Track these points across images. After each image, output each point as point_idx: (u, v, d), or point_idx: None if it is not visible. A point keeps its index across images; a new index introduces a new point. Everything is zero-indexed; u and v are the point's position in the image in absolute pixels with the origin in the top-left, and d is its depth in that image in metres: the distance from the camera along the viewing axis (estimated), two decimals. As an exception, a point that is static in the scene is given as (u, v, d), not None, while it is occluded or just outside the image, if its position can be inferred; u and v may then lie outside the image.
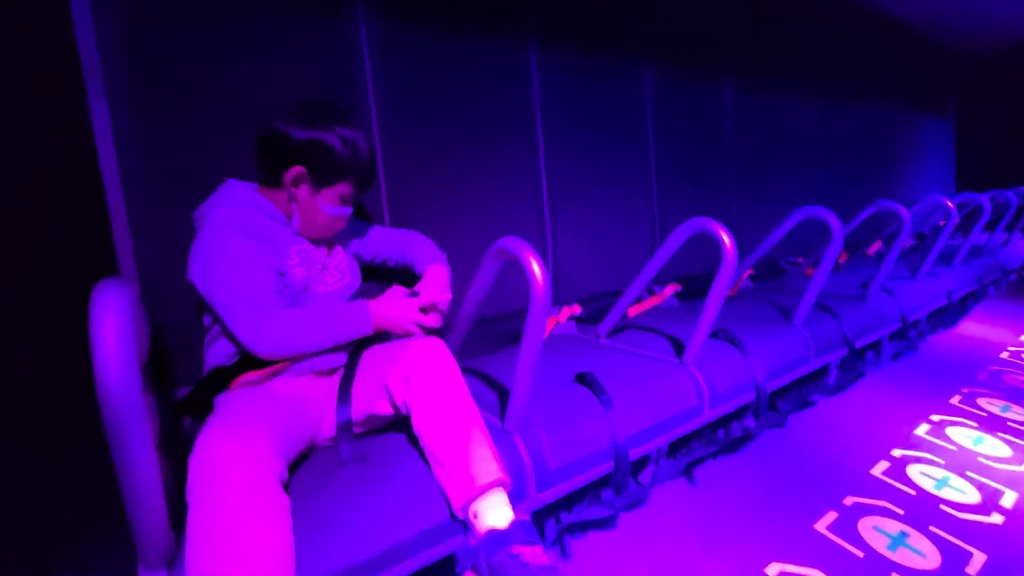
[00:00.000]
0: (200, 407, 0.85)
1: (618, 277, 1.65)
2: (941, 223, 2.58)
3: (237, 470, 0.63)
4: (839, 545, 1.32)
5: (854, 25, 2.55)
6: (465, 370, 1.05)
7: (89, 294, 0.51)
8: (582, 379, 1.05)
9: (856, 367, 1.78)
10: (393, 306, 0.93)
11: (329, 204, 0.92)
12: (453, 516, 0.78)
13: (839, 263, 2.22)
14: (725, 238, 1.02)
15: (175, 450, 0.72)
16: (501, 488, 0.80)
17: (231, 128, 0.98)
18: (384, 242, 1.12)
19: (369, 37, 1.08)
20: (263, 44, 1.01)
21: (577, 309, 1.43)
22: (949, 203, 2.02)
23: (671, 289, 1.46)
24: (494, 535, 0.75)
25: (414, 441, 0.83)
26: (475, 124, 1.26)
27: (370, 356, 0.91)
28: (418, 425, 0.80)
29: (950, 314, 2.47)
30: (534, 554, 0.75)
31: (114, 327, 0.49)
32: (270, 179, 0.93)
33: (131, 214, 0.89)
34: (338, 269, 1.00)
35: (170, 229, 0.92)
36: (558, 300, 1.48)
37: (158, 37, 0.91)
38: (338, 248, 1.04)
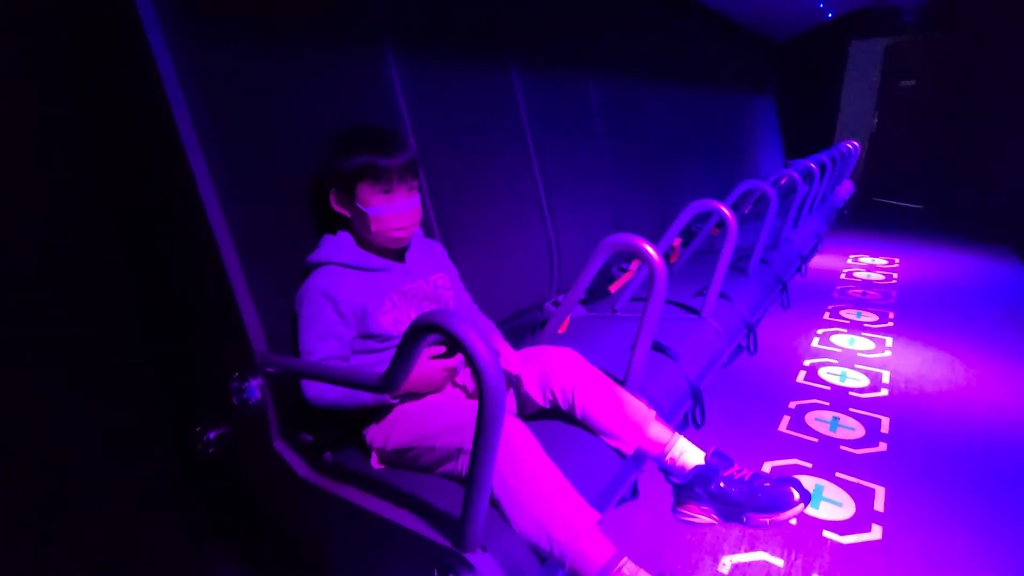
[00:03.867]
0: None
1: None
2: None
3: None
4: (800, 438, 1.71)
5: (699, 25, 3.10)
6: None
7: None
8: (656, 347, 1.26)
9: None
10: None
11: (369, 207, 0.91)
12: (624, 458, 0.98)
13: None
14: (727, 212, 1.29)
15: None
16: (680, 436, 1.05)
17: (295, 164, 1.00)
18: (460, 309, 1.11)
19: (401, 75, 1.15)
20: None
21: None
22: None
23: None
24: (705, 469, 1.04)
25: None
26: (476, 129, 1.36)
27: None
28: (589, 410, 0.98)
29: (809, 254, 3.12)
30: (741, 471, 1.06)
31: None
32: (331, 222, 0.97)
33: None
34: (443, 300, 1.03)
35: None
36: (561, 288, 1.64)
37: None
38: (442, 276, 1.05)
